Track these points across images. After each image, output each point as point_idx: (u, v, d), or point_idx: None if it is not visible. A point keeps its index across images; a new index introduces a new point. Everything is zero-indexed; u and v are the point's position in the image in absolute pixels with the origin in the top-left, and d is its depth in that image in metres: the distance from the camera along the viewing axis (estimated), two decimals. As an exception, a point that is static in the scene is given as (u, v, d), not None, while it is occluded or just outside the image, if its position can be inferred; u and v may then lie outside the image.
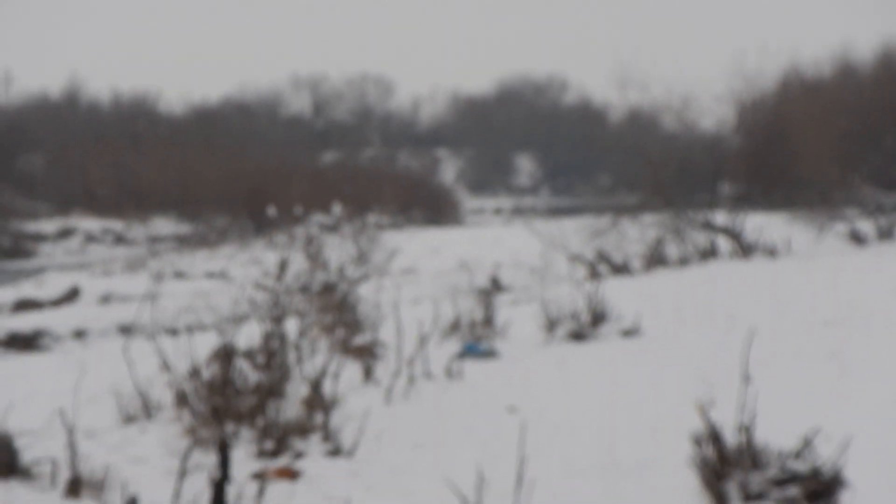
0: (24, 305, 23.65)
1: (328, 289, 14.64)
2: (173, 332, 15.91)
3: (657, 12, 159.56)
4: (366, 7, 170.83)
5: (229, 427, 8.26)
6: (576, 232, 29.46)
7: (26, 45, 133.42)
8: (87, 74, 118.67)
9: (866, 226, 28.91)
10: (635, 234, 27.85)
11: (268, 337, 9.67)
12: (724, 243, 26.47)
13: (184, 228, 50.73)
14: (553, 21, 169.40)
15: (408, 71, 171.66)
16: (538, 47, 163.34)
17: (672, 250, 26.26)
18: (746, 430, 6.55)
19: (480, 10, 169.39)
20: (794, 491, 6.35)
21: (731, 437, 6.57)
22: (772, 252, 25.44)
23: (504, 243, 32.08)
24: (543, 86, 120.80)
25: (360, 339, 12.36)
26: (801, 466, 6.43)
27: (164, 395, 9.44)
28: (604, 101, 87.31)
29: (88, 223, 52.33)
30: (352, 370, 11.15)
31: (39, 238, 49.45)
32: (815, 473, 6.38)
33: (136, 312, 18.26)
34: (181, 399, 8.91)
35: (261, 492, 6.12)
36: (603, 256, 25.13)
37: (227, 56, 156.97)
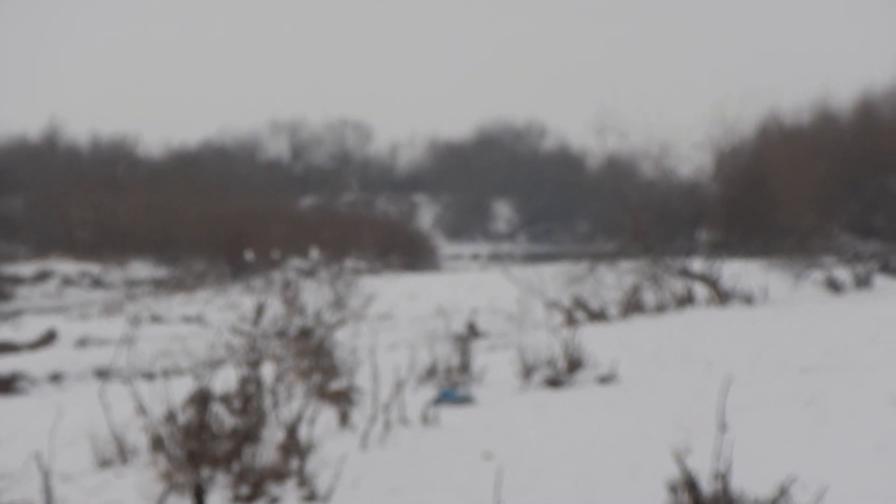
0: (0, 348, 23.56)
1: (305, 334, 14.64)
2: (150, 376, 15.88)
3: (637, 60, 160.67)
4: (345, 53, 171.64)
5: (205, 472, 8.24)
6: (553, 278, 29.54)
7: (5, 87, 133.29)
8: (67, 116, 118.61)
9: (843, 273, 29.05)
10: (612, 280, 27.94)
11: (244, 382, 9.67)
12: (701, 290, 26.57)
13: (161, 272, 50.65)
14: (532, 67, 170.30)
15: (386, 116, 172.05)
16: (518, 94, 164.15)
17: (649, 297, 26.34)
18: (722, 477, 6.56)
19: (460, 56, 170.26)
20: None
21: (707, 485, 6.58)
22: (748, 299, 25.55)
23: (481, 289, 32.09)
24: (522, 132, 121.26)
25: (336, 385, 12.35)
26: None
27: (140, 439, 9.40)
28: (582, 147, 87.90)
29: (66, 266, 52.25)
30: (328, 415, 11.15)
31: (17, 281, 49.37)
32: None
33: (112, 356, 18.23)
34: (157, 443, 8.87)
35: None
36: (580, 303, 25.19)
37: (207, 100, 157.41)
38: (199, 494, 6.57)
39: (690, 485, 6.61)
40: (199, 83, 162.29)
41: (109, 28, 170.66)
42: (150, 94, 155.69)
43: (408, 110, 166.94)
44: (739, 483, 6.67)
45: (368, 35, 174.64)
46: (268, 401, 9.48)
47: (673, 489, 6.68)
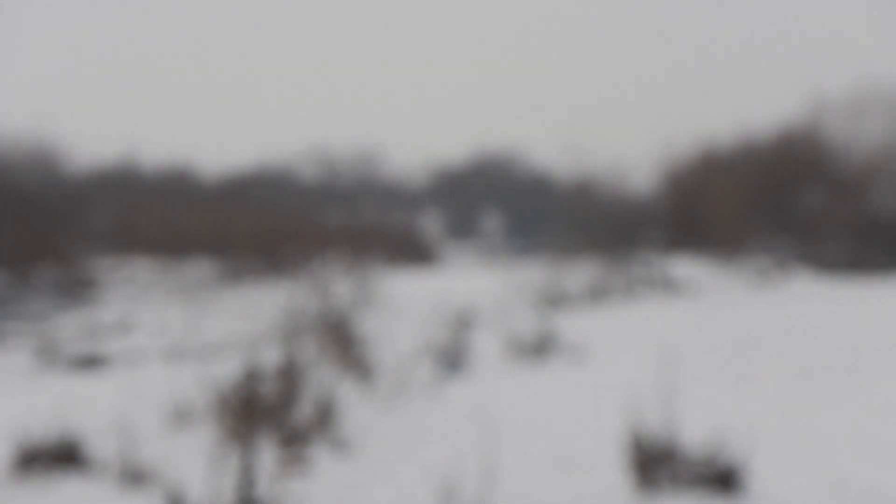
0: (88, 332, 23.59)
1: (334, 319, 14.71)
2: (210, 353, 15.90)
3: (601, 96, 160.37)
4: (365, 91, 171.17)
5: (255, 430, 8.31)
6: (533, 273, 29.64)
7: (90, 121, 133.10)
8: (141, 145, 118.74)
9: (767, 268, 29.17)
10: (582, 275, 28.02)
11: (286, 357, 9.76)
12: (653, 283, 26.62)
13: (219, 271, 50.69)
14: (516, 101, 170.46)
15: (400, 145, 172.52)
16: (506, 124, 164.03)
17: (611, 289, 26.37)
18: (671, 432, 6.65)
19: (459, 93, 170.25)
20: (708, 481, 6.46)
21: (658, 439, 6.65)
22: (692, 290, 25.61)
23: (474, 283, 32.06)
24: (508, 156, 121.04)
25: (359, 360, 12.42)
26: (714, 461, 6.51)
27: (203, 405, 9.47)
28: (557, 168, 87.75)
29: (142, 265, 52.52)
30: (353, 385, 11.21)
31: (102, 277, 49.51)
32: (726, 467, 6.48)
33: (180, 337, 18.26)
34: (216, 407, 8.95)
35: (281, 481, 6.18)
36: (555, 294, 25.23)
37: (254, 129, 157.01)
38: (251, 448, 6.62)
39: (644, 439, 6.69)
40: (248, 114, 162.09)
41: (176, 65, 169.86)
42: (205, 124, 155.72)
43: (417, 140, 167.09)
44: (684, 437, 6.75)
45: (386, 76, 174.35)
46: (305, 373, 9.58)
47: (630, 443, 6.75)
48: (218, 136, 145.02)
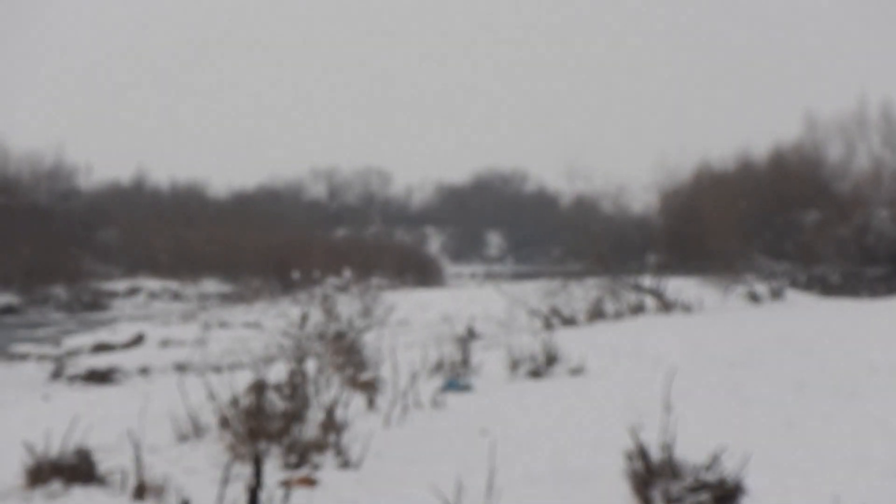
0: (100, 348, 23.56)
1: (340, 336, 14.64)
2: (218, 369, 15.85)
3: (598, 118, 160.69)
4: (370, 112, 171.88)
5: (262, 444, 8.27)
6: (534, 292, 29.57)
7: (101, 141, 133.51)
8: (151, 165, 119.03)
9: (761, 288, 29.01)
10: (580, 293, 27.93)
11: (292, 374, 9.73)
12: (650, 301, 26.52)
13: (226, 288, 50.65)
14: (518, 124, 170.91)
15: (403, 164, 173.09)
16: (506, 146, 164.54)
17: (609, 306, 26.27)
18: (668, 447, 6.59)
19: (461, 116, 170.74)
20: (705, 496, 6.39)
21: (655, 454, 6.61)
22: (687, 308, 25.50)
23: (477, 301, 31.98)
24: (508, 177, 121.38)
25: (364, 376, 12.35)
26: (710, 476, 6.47)
27: (210, 420, 9.43)
28: (556, 189, 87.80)
29: (151, 283, 52.35)
30: (358, 400, 11.13)
31: (113, 295, 49.47)
32: (722, 482, 6.43)
33: (188, 354, 18.25)
34: (224, 422, 8.91)
35: (287, 496, 6.12)
36: (555, 311, 25.14)
37: (261, 149, 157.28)
38: (258, 462, 6.58)
39: (642, 453, 6.65)
40: (255, 135, 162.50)
41: (189, 85, 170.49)
42: (215, 144, 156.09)
43: (420, 160, 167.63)
44: (681, 452, 6.69)
45: (390, 99, 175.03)
46: (311, 389, 9.54)
47: (629, 457, 6.73)
48: (228, 156, 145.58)
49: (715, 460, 6.53)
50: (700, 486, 6.41)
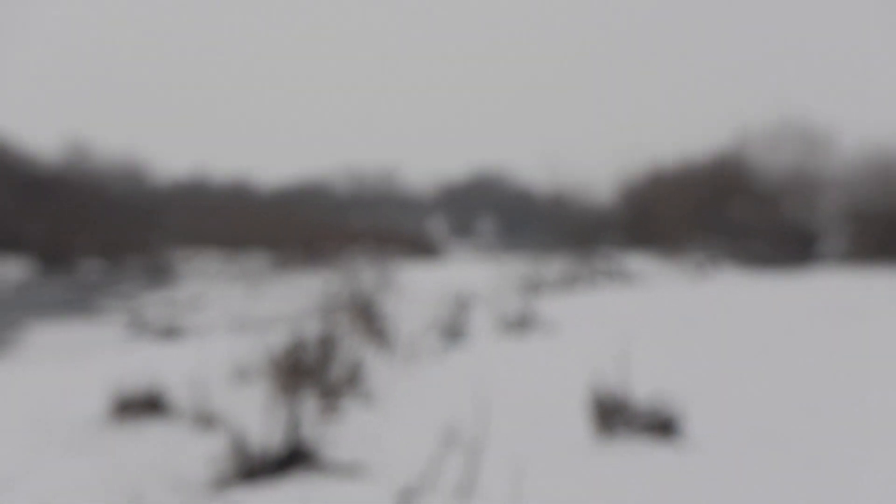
0: (170, 305, 23.68)
1: (361, 299, 14.80)
2: (265, 324, 15.96)
3: (576, 125, 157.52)
4: (388, 117, 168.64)
5: (300, 385, 8.40)
6: (517, 266, 29.70)
7: (167, 141, 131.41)
8: (210, 161, 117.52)
9: (699, 263, 29.24)
10: (556, 267, 28.08)
11: (324, 329, 9.84)
12: (613, 275, 26.69)
13: (271, 263, 50.52)
14: (505, 128, 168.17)
15: (413, 164, 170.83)
16: (496, 147, 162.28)
17: (578, 278, 26.44)
18: (620, 386, 6.75)
19: (460, 121, 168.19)
20: (644, 421, 6.58)
21: (610, 390, 6.74)
22: (643, 280, 25.68)
23: (472, 272, 32.07)
24: (497, 172, 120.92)
25: (380, 331, 12.50)
26: (649, 407, 6.64)
27: (260, 365, 9.55)
28: (537, 182, 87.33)
29: (210, 255, 52.74)
30: (375, 350, 11.28)
31: (178, 264, 49.57)
32: (657, 412, 6.61)
33: (242, 311, 18.32)
34: (271, 367, 9.02)
35: (319, 424, 6.28)
36: (535, 282, 25.29)
37: (297, 149, 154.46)
38: (296, 399, 6.73)
39: (600, 391, 6.77)
40: (293, 134, 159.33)
41: (235, 94, 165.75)
42: (259, 144, 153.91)
43: (426, 160, 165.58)
44: (635, 394, 6.84)
45: (402, 107, 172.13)
46: (338, 341, 9.67)
47: (590, 393, 6.83)
48: (269, 154, 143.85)
49: (662, 400, 6.67)
50: (650, 421, 6.57)
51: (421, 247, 63.49)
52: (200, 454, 6.49)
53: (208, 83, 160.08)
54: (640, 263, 28.29)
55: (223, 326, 19.30)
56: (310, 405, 8.11)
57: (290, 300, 21.87)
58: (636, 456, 6.17)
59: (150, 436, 7.26)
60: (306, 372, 8.77)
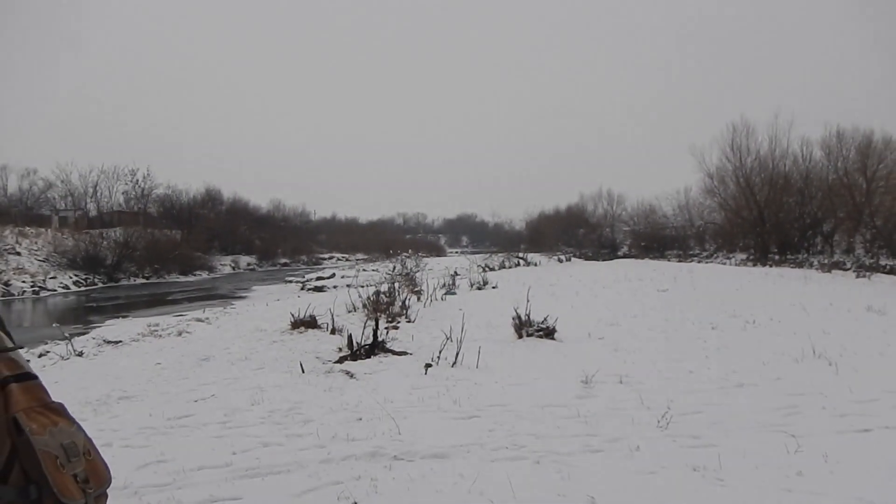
0: (318, 279, 23.06)
1: (406, 273, 14.60)
2: (362, 285, 15.71)
3: (511, 181, 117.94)
4: (420, 178, 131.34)
5: (378, 313, 8.25)
6: (479, 259, 29.41)
7: (318, 196, 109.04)
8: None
9: (563, 256, 28.94)
10: (498, 258, 27.84)
11: (389, 287, 9.67)
12: (521, 262, 26.42)
13: (366, 257, 47.68)
14: (475, 185, 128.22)
15: (433, 205, 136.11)
16: (472, 196, 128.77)
17: (507, 264, 26.20)
18: (528, 314, 6.58)
19: (454, 183, 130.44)
20: (541, 331, 6.41)
21: (522, 316, 6.59)
22: (537, 265, 25.39)
23: (458, 261, 31.84)
24: (469, 214, 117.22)
25: (416, 288, 12.32)
26: (543, 325, 6.47)
27: (358, 303, 9.36)
28: (489, 219, 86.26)
29: (338, 255, 50.45)
30: (413, 297, 11.06)
31: (322, 259, 45.95)
32: (547, 327, 6.38)
33: (351, 280, 18.02)
34: (364, 304, 8.86)
35: (387, 330, 6.12)
36: (487, 265, 25.08)
37: (373, 196, 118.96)
38: (377, 320, 6.57)
39: (519, 317, 6.59)
40: (367, 183, 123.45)
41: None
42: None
43: (433, 201, 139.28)
44: (534, 315, 6.69)
45: (423, 172, 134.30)
46: (396, 293, 9.49)
47: (514, 318, 6.64)
48: (363, 198, 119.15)
49: (546, 318, 6.46)
50: (540, 329, 6.40)
51: (435, 250, 63.21)
52: (332, 346, 6.34)
53: (341, 164, 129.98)
54: (535, 257, 28.02)
55: (343, 286, 19.07)
56: (382, 322, 7.99)
57: (376, 274, 21.67)
58: (535, 344, 6.01)
59: (309, 337, 7.08)
60: (381, 307, 8.65)
